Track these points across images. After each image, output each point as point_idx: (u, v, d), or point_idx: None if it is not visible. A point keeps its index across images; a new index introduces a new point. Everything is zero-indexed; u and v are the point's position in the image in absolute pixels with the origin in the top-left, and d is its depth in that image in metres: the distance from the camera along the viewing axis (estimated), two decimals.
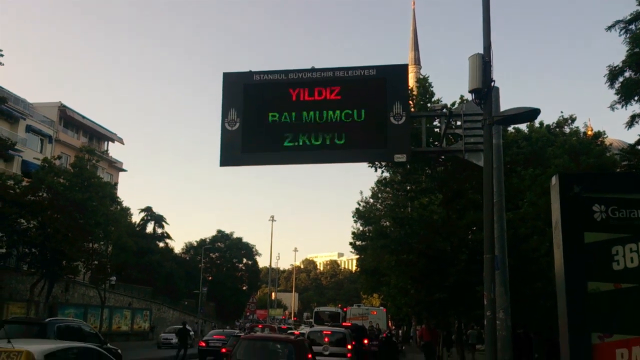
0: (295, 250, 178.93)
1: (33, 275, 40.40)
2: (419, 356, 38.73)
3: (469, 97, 16.08)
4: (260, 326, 53.76)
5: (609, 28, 21.04)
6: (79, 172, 43.92)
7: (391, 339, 30.95)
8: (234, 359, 15.34)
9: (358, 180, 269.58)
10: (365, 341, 32.18)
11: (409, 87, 20.03)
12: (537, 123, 30.49)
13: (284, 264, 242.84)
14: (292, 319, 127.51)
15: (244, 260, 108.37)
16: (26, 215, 37.19)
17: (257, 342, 17.31)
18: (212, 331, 44.09)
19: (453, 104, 20.97)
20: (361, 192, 66.85)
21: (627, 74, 20.82)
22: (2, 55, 31.64)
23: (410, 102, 21.74)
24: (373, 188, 53.30)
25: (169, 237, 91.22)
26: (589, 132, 34.17)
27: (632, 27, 20.53)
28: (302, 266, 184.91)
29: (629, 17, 20.54)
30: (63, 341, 13.44)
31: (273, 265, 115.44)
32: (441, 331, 33.19)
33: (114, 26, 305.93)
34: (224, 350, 26.62)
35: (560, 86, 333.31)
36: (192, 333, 43.69)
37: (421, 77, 24.65)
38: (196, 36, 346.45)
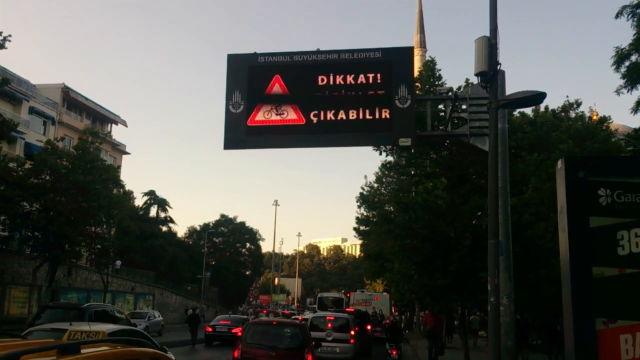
0: (299, 235, 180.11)
1: (35, 259, 40.41)
2: (422, 342, 38.76)
3: (474, 80, 15.96)
4: (265, 312, 54.26)
5: (617, 15, 20.87)
6: (82, 154, 43.86)
7: (397, 324, 32.87)
8: (244, 342, 15.97)
9: (362, 164, 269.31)
10: (369, 327, 32.25)
11: (415, 70, 19.91)
12: (542, 107, 30.39)
13: (288, 249, 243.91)
14: (295, 304, 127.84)
15: (248, 245, 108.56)
16: (29, 198, 37.16)
17: (265, 327, 17.91)
18: (218, 316, 44.31)
19: (459, 88, 20.81)
20: (365, 177, 66.85)
21: (633, 58, 20.66)
22: (10, 41, 31.59)
23: (418, 84, 21.68)
24: (377, 172, 53.29)
25: (172, 221, 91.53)
26: (594, 117, 34.00)
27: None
28: (305, 251, 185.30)
29: (636, 2, 20.36)
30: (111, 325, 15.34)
31: (276, 250, 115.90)
32: (444, 317, 33.13)
33: (118, 7, 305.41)
34: (239, 334, 26.97)
35: (566, 70, 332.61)
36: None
37: (428, 59, 24.44)
38: (201, 17, 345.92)
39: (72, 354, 5.12)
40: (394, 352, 27.62)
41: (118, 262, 60.19)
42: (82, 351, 5.30)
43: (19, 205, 37.29)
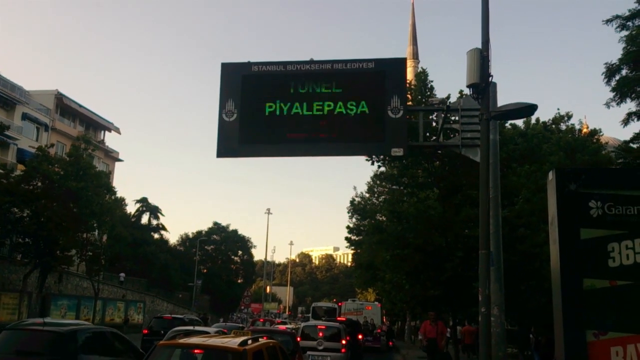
0: (291, 243, 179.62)
1: (26, 266, 40.19)
2: (414, 352, 38.58)
3: (467, 92, 16.03)
4: (261, 320, 54.56)
5: (607, 22, 20.97)
6: (74, 161, 43.72)
7: (391, 327, 47.53)
8: None
9: (355, 173, 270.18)
10: (360, 336, 32.15)
11: (408, 81, 19.97)
12: (533, 119, 30.53)
13: (280, 258, 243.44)
14: (287, 313, 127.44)
15: (240, 253, 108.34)
16: (20, 204, 36.96)
17: (262, 334, 18.70)
18: (215, 324, 44.25)
19: (448, 97, 20.92)
20: (355, 188, 66.72)
21: (623, 72, 20.80)
22: None
23: (409, 95, 21.74)
24: (369, 182, 53.30)
25: (164, 228, 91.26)
26: (585, 130, 34.16)
27: (630, 23, 20.48)
28: (297, 260, 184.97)
29: (627, 14, 20.49)
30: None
31: (268, 259, 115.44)
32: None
33: (112, 14, 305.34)
34: None
35: (557, 82, 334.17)
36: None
37: (420, 70, 24.56)
38: (196, 25, 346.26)
39: (258, 341, 10.27)
40: (390, 343, 44.79)
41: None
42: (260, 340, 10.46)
43: (10, 212, 37.09)
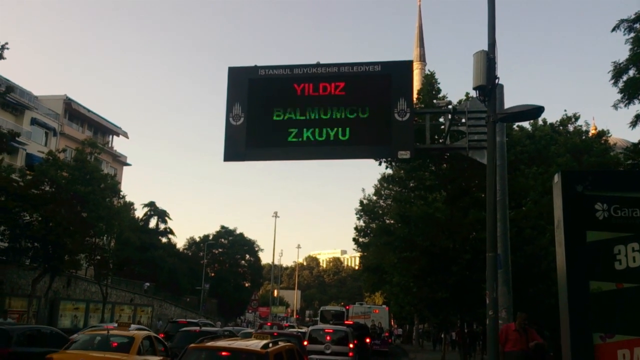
0: (299, 247, 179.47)
1: (35, 270, 40.24)
2: (421, 355, 38.36)
3: (474, 94, 16.01)
4: (269, 324, 54.86)
5: (614, 29, 20.93)
6: (81, 165, 43.82)
7: (391, 330, 51.89)
8: None
9: (362, 176, 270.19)
10: (368, 340, 32.08)
11: (415, 84, 19.99)
12: (540, 121, 30.43)
13: (287, 261, 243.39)
14: (295, 316, 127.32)
15: (247, 257, 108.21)
16: (29, 209, 37.04)
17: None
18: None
19: (460, 102, 20.92)
20: (363, 190, 66.61)
21: (631, 73, 20.72)
22: (7, 49, 31.45)
23: (420, 96, 21.75)
24: (376, 185, 53.33)
25: (171, 232, 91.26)
26: (593, 131, 34.03)
27: (637, 25, 20.42)
28: (305, 263, 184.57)
29: (633, 17, 20.44)
30: None
31: (276, 262, 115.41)
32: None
33: (120, 19, 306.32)
34: None
35: (565, 84, 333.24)
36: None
37: (428, 72, 24.57)
38: (203, 29, 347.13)
39: (278, 345, 11.43)
40: (390, 341, 50.47)
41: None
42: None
43: (19, 216, 37.17)
